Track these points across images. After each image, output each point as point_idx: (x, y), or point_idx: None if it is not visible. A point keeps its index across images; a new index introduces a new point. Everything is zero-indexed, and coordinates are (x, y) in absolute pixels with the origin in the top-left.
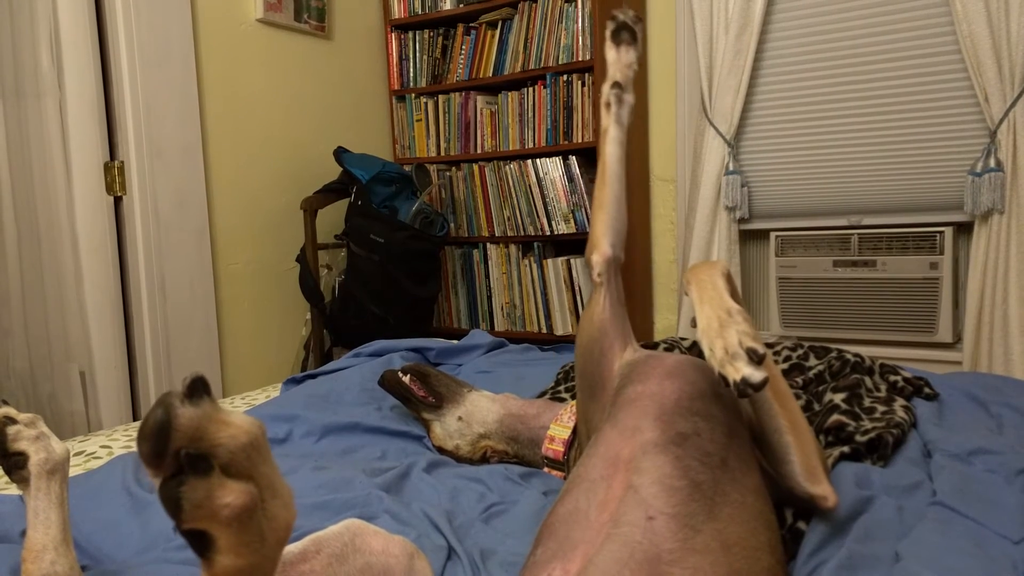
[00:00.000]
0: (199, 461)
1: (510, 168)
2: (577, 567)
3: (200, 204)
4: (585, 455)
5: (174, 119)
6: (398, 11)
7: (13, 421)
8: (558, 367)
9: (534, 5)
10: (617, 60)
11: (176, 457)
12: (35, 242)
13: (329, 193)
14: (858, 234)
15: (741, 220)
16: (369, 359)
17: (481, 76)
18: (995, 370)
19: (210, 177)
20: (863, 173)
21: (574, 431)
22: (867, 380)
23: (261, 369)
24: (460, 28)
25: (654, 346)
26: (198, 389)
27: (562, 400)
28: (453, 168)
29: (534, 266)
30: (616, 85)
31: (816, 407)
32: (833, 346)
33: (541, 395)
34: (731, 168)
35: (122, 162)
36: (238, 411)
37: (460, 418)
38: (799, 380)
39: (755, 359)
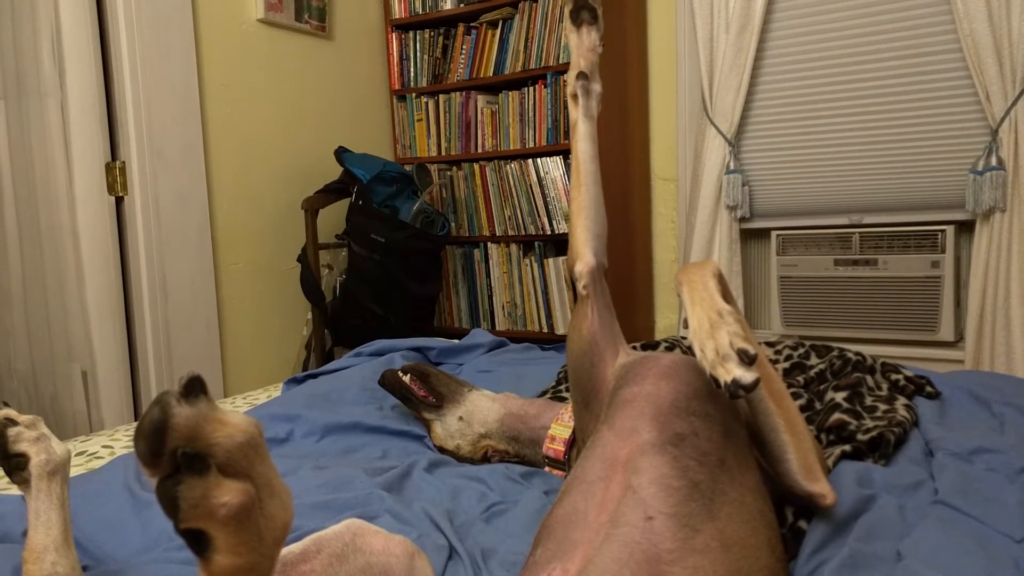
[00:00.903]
0: (196, 460)
1: (511, 167)
2: (577, 567)
3: (201, 204)
4: (582, 457)
5: (175, 119)
6: (399, 11)
7: (14, 423)
8: (559, 366)
9: (535, 5)
10: (579, 44)
11: (173, 456)
12: (37, 242)
13: (330, 193)
14: (859, 233)
15: (742, 219)
16: (370, 359)
17: (482, 76)
18: (997, 369)
19: (211, 177)
20: (864, 172)
21: (575, 430)
22: (868, 379)
23: (262, 369)
24: (461, 28)
25: (655, 345)
26: (194, 388)
27: (563, 399)
28: (454, 167)
29: (535, 265)
30: (582, 75)
31: (817, 406)
32: (834, 345)
33: (542, 394)
34: (732, 167)
35: (123, 162)
36: (237, 411)
37: (461, 418)
38: (800, 379)
39: (746, 360)
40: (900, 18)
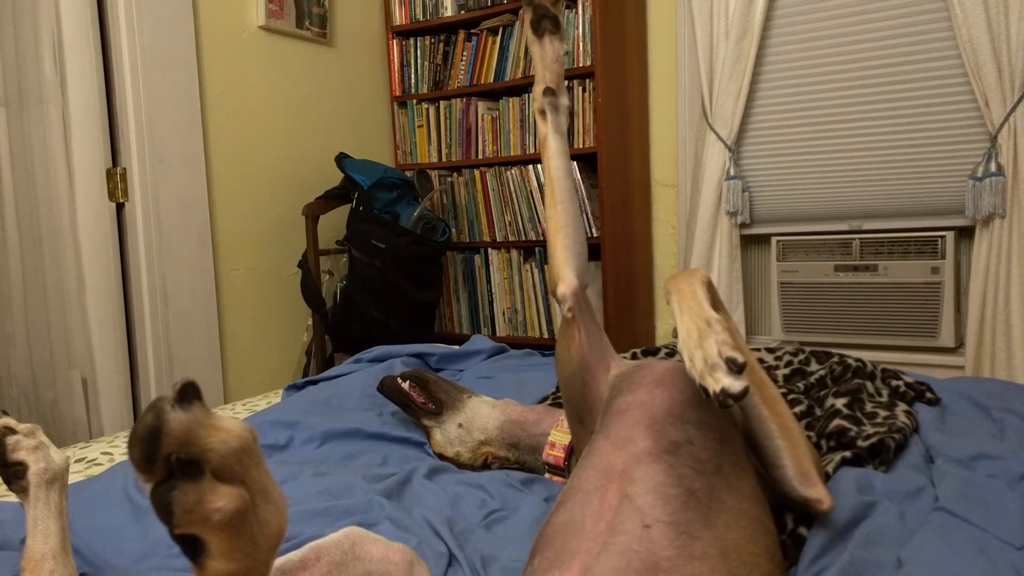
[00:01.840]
0: (190, 466)
1: (511, 173)
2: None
3: (202, 210)
4: (578, 467)
5: (176, 125)
6: (399, 17)
7: (12, 431)
8: None
9: None
10: (543, 56)
11: (167, 462)
12: (37, 248)
13: (331, 199)
14: (859, 239)
15: (742, 225)
16: (370, 365)
17: (482, 82)
18: (997, 375)
19: (212, 183)
20: (864, 177)
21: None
22: (869, 385)
23: (263, 375)
24: (461, 34)
25: (655, 351)
26: (189, 394)
27: (563, 406)
28: (454, 173)
29: (535, 271)
30: (548, 91)
31: (818, 412)
32: (835, 351)
33: (542, 401)
34: (732, 173)
35: (124, 169)
36: (237, 417)
37: (460, 425)
38: (801, 385)
39: (735, 368)
40: (899, 24)
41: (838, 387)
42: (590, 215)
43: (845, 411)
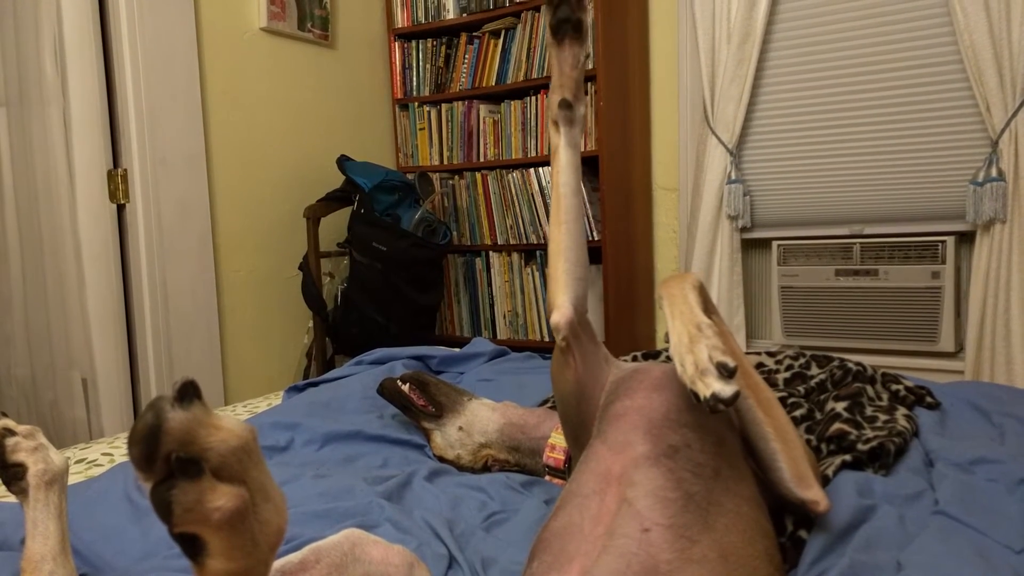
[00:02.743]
0: (189, 465)
1: (513, 177)
2: None
3: (203, 212)
4: (576, 471)
5: (177, 127)
6: (401, 20)
7: (12, 432)
8: None
9: (536, 14)
10: (561, 62)
11: (167, 461)
12: (38, 249)
13: (332, 201)
14: (860, 243)
15: (743, 229)
16: (371, 367)
17: (484, 85)
18: (997, 380)
19: (213, 185)
20: (865, 182)
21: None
22: (869, 389)
23: (263, 377)
24: (463, 37)
25: (656, 355)
26: (188, 393)
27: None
28: (456, 176)
29: (536, 274)
30: (565, 104)
31: (818, 416)
32: (835, 355)
33: (543, 403)
34: (733, 177)
35: (125, 170)
36: (232, 416)
37: (461, 428)
38: (801, 389)
39: (726, 373)
40: (901, 29)
41: (838, 391)
42: (591, 218)
43: (845, 415)
